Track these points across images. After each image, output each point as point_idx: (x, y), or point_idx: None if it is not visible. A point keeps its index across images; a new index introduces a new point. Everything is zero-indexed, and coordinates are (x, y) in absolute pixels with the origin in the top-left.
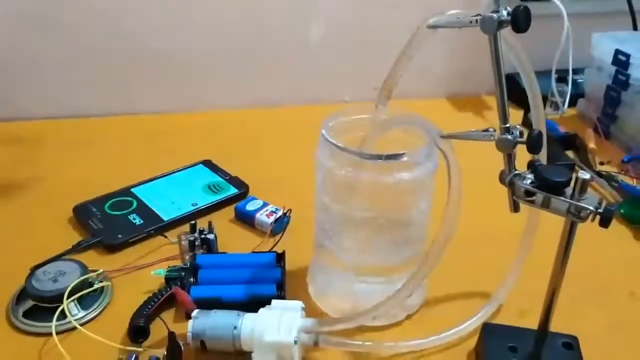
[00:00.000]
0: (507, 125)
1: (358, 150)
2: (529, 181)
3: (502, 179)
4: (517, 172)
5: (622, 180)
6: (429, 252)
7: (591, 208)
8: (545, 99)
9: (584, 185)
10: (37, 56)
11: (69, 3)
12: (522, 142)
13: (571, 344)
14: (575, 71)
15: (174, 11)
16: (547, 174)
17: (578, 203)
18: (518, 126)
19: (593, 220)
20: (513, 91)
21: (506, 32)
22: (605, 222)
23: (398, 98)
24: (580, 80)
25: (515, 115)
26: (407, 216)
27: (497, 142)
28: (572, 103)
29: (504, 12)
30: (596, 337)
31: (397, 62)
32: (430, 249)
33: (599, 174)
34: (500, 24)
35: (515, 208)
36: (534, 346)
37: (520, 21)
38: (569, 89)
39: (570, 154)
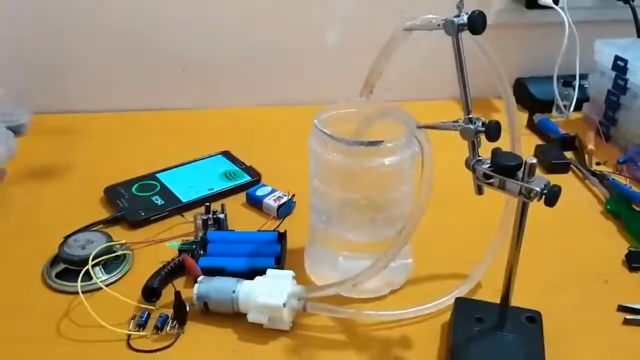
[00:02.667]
0: (470, 116)
1: (343, 138)
2: (487, 165)
3: (467, 164)
4: (479, 158)
5: (612, 179)
6: (404, 228)
7: (537, 189)
8: (551, 103)
9: (531, 168)
10: (81, 57)
11: (113, 9)
12: (482, 132)
13: (534, 318)
14: (584, 77)
15: (202, 20)
16: (501, 159)
17: (527, 185)
18: (481, 118)
19: (539, 199)
20: (521, 95)
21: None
22: (550, 202)
23: (411, 100)
24: (587, 86)
25: (521, 117)
26: (389, 198)
27: (461, 131)
28: (580, 107)
29: (464, 17)
30: (562, 316)
31: (377, 60)
32: (405, 224)
33: (593, 173)
34: (460, 27)
35: (480, 191)
36: (498, 318)
37: (476, 24)
38: (574, 93)
39: (569, 154)
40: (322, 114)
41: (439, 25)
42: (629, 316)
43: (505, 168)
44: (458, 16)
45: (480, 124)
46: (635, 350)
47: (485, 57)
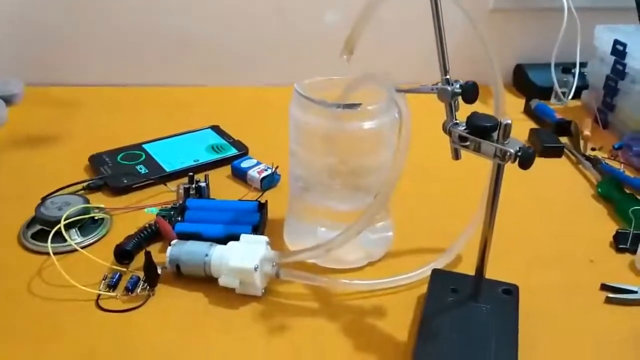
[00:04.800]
0: (447, 77)
1: (321, 100)
2: (463, 128)
3: (443, 128)
4: (456, 121)
5: (604, 162)
6: (379, 193)
7: (512, 151)
8: (551, 90)
9: (506, 129)
10: (78, 31)
11: None
12: (459, 93)
13: (510, 291)
14: (584, 65)
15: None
16: (476, 120)
17: (502, 146)
18: (460, 80)
19: (514, 161)
20: (520, 81)
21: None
22: (524, 164)
23: (411, 83)
24: (587, 73)
25: (519, 104)
26: (368, 164)
27: (438, 93)
28: (579, 95)
29: None
30: (544, 293)
31: (357, 21)
32: (380, 190)
33: (587, 157)
34: None
35: (456, 155)
36: (473, 289)
37: None
38: (574, 80)
39: (565, 140)
40: (304, 81)
41: None
42: (611, 295)
43: (480, 129)
44: None
45: (457, 85)
46: (615, 329)
47: (474, 28)
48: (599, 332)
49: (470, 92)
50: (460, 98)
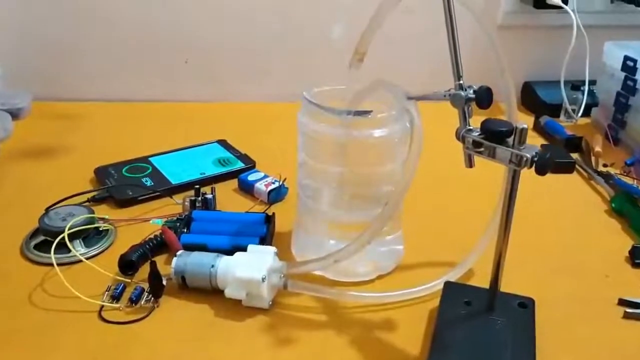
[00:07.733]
0: (460, 82)
1: (331, 107)
2: (477, 133)
3: (457, 135)
4: (469, 127)
5: (617, 177)
6: (389, 201)
7: (528, 156)
8: (560, 107)
9: (522, 134)
10: (85, 47)
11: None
12: (472, 99)
13: (526, 304)
14: (593, 83)
15: (204, 13)
16: (491, 125)
17: (518, 152)
18: (474, 85)
19: (530, 167)
20: (528, 99)
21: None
22: (540, 170)
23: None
24: (596, 90)
25: (528, 121)
26: (378, 173)
27: (451, 99)
28: (589, 113)
29: None
30: (560, 307)
31: (367, 29)
32: (389, 198)
33: (599, 173)
34: None
35: (470, 162)
36: (487, 302)
37: None
38: (583, 97)
39: (575, 156)
40: (312, 89)
41: None
42: (629, 310)
43: (495, 134)
44: None
45: (471, 91)
46: (635, 344)
47: (485, 34)
48: (617, 347)
49: (484, 96)
50: (473, 104)
